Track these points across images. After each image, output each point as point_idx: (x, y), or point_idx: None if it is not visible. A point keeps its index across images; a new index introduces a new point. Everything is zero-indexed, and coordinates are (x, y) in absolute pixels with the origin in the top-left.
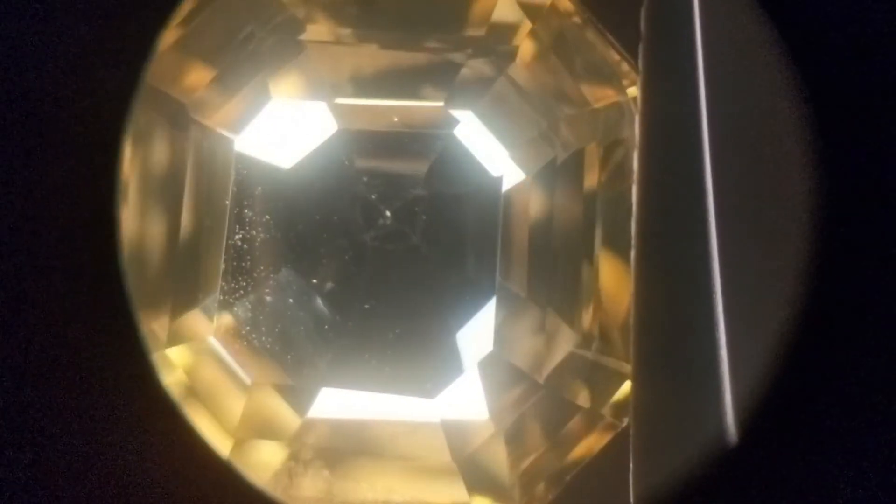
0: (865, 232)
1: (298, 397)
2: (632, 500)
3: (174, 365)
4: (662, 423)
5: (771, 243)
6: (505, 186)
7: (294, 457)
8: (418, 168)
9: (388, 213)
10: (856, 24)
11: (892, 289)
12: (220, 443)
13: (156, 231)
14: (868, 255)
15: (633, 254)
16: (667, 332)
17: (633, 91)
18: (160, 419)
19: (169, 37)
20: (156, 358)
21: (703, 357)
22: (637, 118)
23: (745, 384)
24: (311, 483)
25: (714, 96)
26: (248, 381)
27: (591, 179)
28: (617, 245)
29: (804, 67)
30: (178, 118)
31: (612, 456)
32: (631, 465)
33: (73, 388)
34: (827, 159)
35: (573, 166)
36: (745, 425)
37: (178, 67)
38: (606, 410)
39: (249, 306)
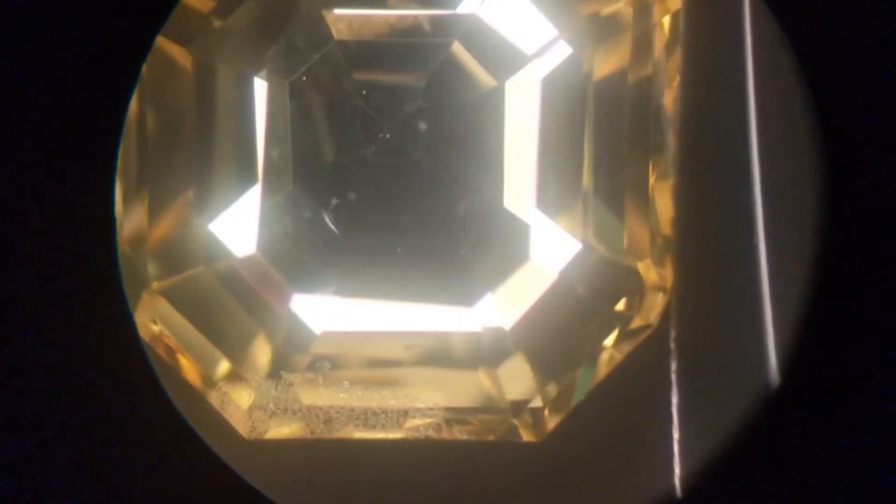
0: None
1: (314, 310)
2: (677, 480)
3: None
4: (707, 377)
5: (812, 193)
6: (509, 94)
7: (313, 368)
8: (418, 79)
9: (387, 128)
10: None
11: None
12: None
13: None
14: None
15: (672, 182)
16: (709, 274)
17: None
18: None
19: None
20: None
21: (746, 306)
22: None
23: (787, 329)
24: (331, 392)
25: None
26: (260, 300)
27: (603, 83)
28: (633, 151)
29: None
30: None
31: (641, 364)
32: (675, 436)
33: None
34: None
35: (586, 70)
36: (787, 369)
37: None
38: (635, 314)
39: (257, 225)
